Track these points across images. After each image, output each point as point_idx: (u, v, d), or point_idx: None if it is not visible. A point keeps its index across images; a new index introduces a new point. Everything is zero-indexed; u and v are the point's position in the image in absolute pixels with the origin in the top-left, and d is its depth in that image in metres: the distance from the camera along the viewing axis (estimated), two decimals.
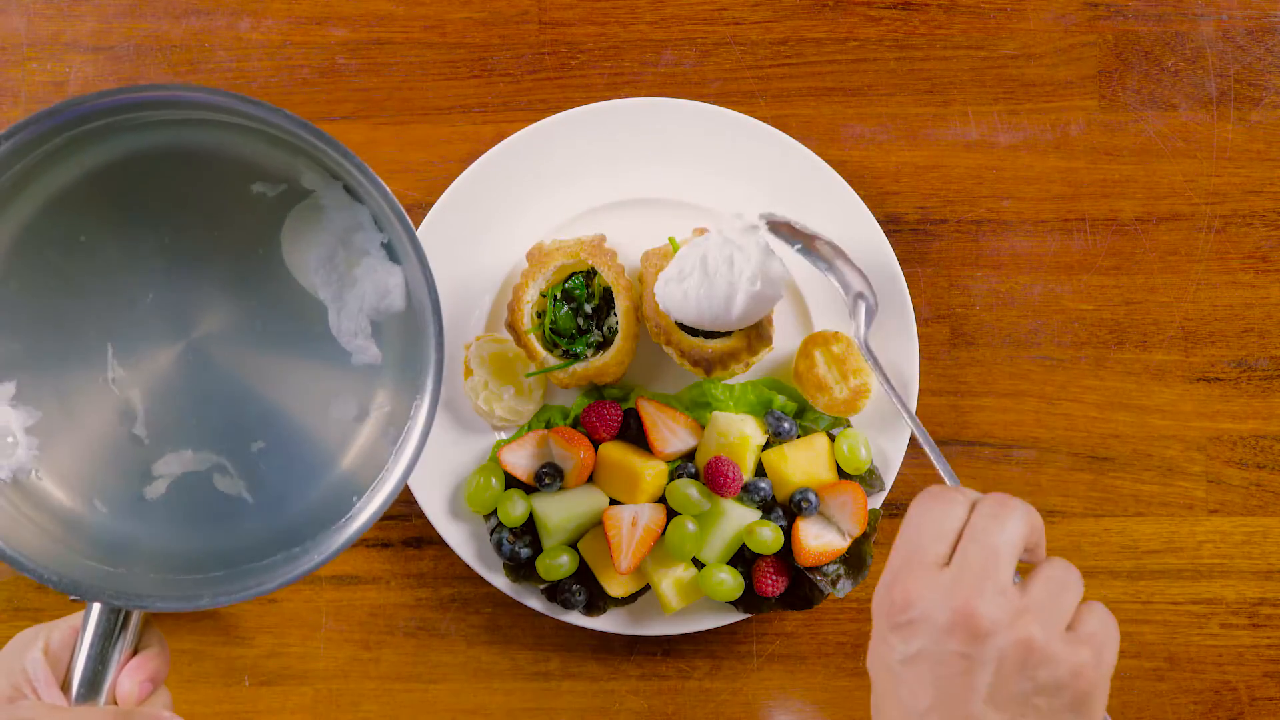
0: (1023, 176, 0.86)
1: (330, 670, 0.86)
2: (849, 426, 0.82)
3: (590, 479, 0.82)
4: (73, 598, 0.80)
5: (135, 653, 0.66)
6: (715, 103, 0.84)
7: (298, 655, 0.86)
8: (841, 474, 0.82)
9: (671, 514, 0.80)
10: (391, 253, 0.72)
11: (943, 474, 0.76)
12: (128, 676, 0.65)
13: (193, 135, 0.70)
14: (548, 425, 0.83)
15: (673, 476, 0.81)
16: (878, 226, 0.82)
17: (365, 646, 0.86)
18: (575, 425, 0.82)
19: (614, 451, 0.80)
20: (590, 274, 0.82)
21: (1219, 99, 0.86)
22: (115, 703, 0.65)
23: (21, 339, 0.70)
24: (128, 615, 0.65)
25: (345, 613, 0.86)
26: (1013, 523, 0.56)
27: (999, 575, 0.55)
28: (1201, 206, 0.86)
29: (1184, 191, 0.86)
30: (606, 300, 0.82)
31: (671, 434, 0.81)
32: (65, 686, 0.64)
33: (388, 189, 0.67)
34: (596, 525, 0.81)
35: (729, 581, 0.79)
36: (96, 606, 0.65)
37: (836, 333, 0.81)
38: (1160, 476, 0.86)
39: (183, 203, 0.71)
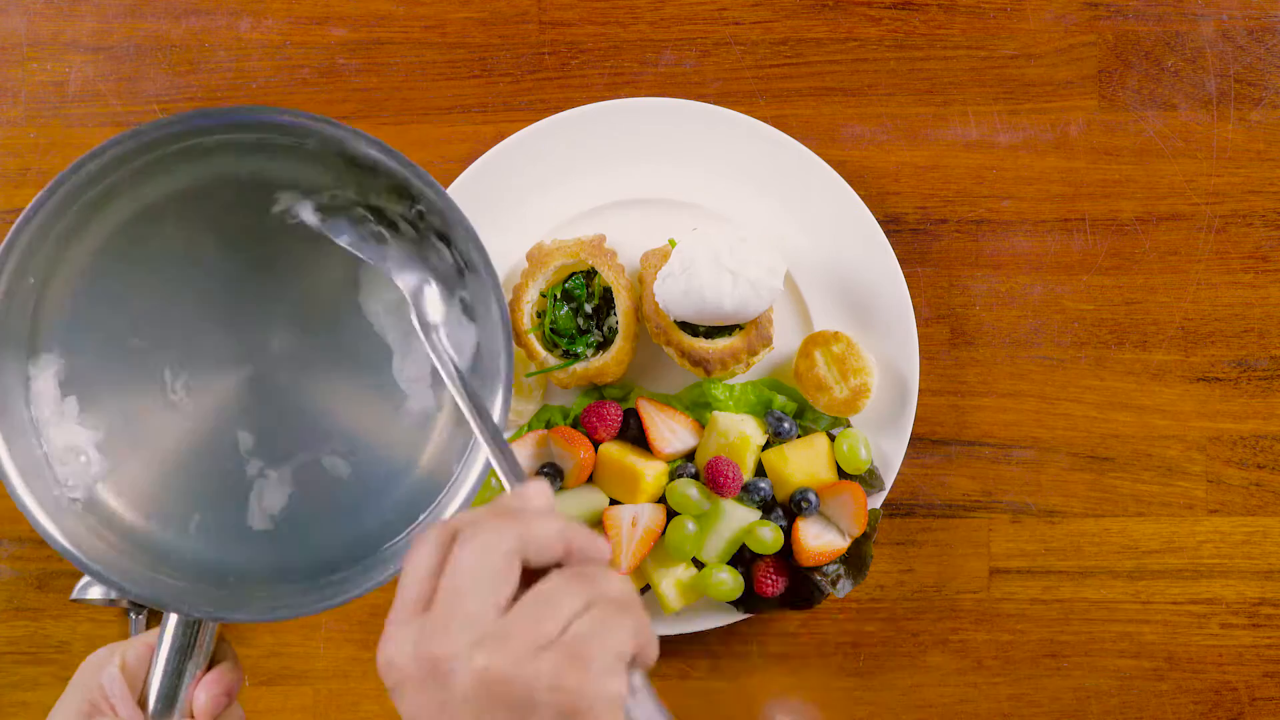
0: (1023, 176, 0.86)
1: (330, 670, 0.86)
2: (849, 426, 0.82)
3: (590, 479, 0.81)
4: (117, 597, 0.79)
5: (210, 667, 0.66)
6: (715, 103, 0.84)
7: (298, 655, 0.86)
8: (841, 474, 0.82)
9: (671, 514, 0.80)
10: (467, 309, 0.71)
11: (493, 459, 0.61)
12: (203, 690, 0.65)
13: (275, 163, 0.69)
14: (548, 425, 0.83)
15: (673, 476, 0.81)
16: (878, 226, 0.82)
17: (365, 646, 0.86)
18: (575, 425, 0.82)
19: (614, 451, 0.80)
20: (590, 274, 0.82)
21: (1219, 99, 0.86)
22: (191, 717, 0.65)
23: (88, 356, 0.69)
24: (202, 630, 0.65)
25: (345, 613, 0.86)
26: (480, 542, 0.49)
27: (465, 605, 0.48)
28: (1201, 206, 0.86)
29: (1184, 191, 0.86)
30: (606, 300, 0.82)
31: (671, 434, 0.81)
32: (142, 702, 0.64)
33: (486, 251, 0.66)
34: (596, 525, 0.81)
35: (729, 581, 0.79)
36: (173, 620, 0.65)
37: (836, 333, 0.81)
38: (1160, 476, 0.86)
39: (256, 227, 0.70)
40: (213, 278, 0.71)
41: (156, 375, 0.70)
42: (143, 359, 0.70)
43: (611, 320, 0.82)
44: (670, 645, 0.86)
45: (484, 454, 0.67)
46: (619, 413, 0.81)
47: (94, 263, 0.68)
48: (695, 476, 0.81)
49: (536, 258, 0.82)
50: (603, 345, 0.82)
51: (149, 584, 0.66)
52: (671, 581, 0.80)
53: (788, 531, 0.80)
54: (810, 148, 0.83)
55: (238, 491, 0.71)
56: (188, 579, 0.68)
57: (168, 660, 0.65)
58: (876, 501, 0.82)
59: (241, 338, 0.71)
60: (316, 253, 0.71)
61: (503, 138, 0.83)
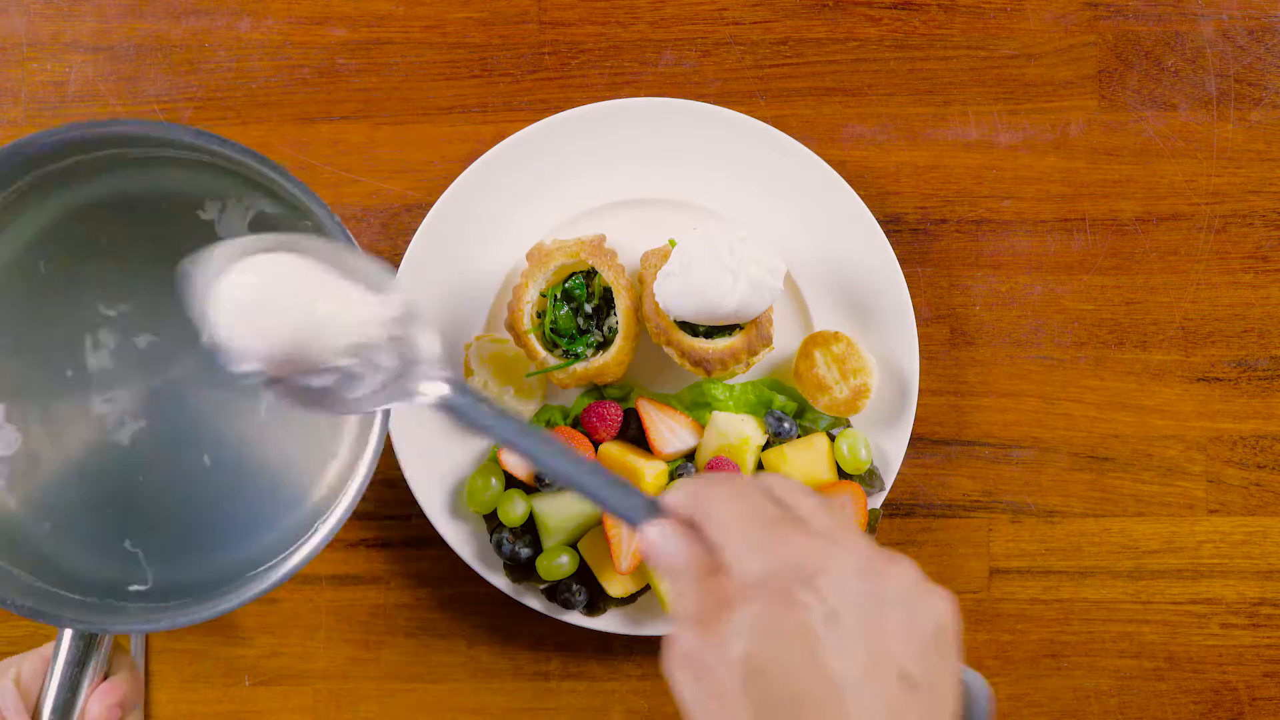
0: (1023, 176, 0.86)
1: (330, 670, 0.86)
2: (849, 426, 0.82)
3: None
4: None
5: (105, 679, 0.67)
6: (715, 103, 0.84)
7: (298, 655, 0.86)
8: (841, 474, 0.82)
9: None
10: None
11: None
12: (96, 701, 0.66)
13: (165, 177, 0.71)
14: (548, 425, 0.83)
15: (673, 476, 0.81)
16: (878, 226, 0.82)
17: (365, 646, 0.86)
18: (575, 425, 0.82)
19: (614, 451, 0.80)
20: (590, 274, 0.82)
21: (1219, 99, 0.86)
22: None
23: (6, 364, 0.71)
24: (98, 641, 0.66)
25: (345, 613, 0.86)
26: None
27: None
28: (1201, 206, 0.86)
29: (1184, 191, 0.86)
30: (606, 300, 0.82)
31: (671, 434, 0.81)
32: (36, 715, 0.66)
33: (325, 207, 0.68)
34: (596, 525, 0.81)
35: None
36: (68, 633, 0.66)
37: (836, 333, 0.81)
38: (1160, 476, 0.86)
39: (156, 246, 0.72)
40: (134, 286, 0.73)
41: (78, 389, 0.73)
42: (60, 371, 0.72)
43: (611, 320, 0.82)
44: None
45: (357, 486, 0.69)
46: (619, 413, 0.81)
47: (10, 265, 0.71)
48: None
49: (536, 257, 0.82)
50: (603, 345, 0.82)
51: (37, 598, 0.68)
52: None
53: None
54: (810, 148, 0.83)
55: (126, 503, 0.73)
56: (81, 592, 0.70)
57: (62, 673, 0.66)
58: (876, 501, 0.82)
59: (150, 354, 0.73)
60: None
61: (503, 138, 0.83)
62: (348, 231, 0.67)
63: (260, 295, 0.58)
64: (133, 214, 0.71)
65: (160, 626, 0.68)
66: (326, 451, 0.75)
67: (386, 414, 0.68)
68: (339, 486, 0.73)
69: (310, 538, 0.71)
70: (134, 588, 0.72)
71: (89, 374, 0.72)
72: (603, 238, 0.82)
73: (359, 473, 0.69)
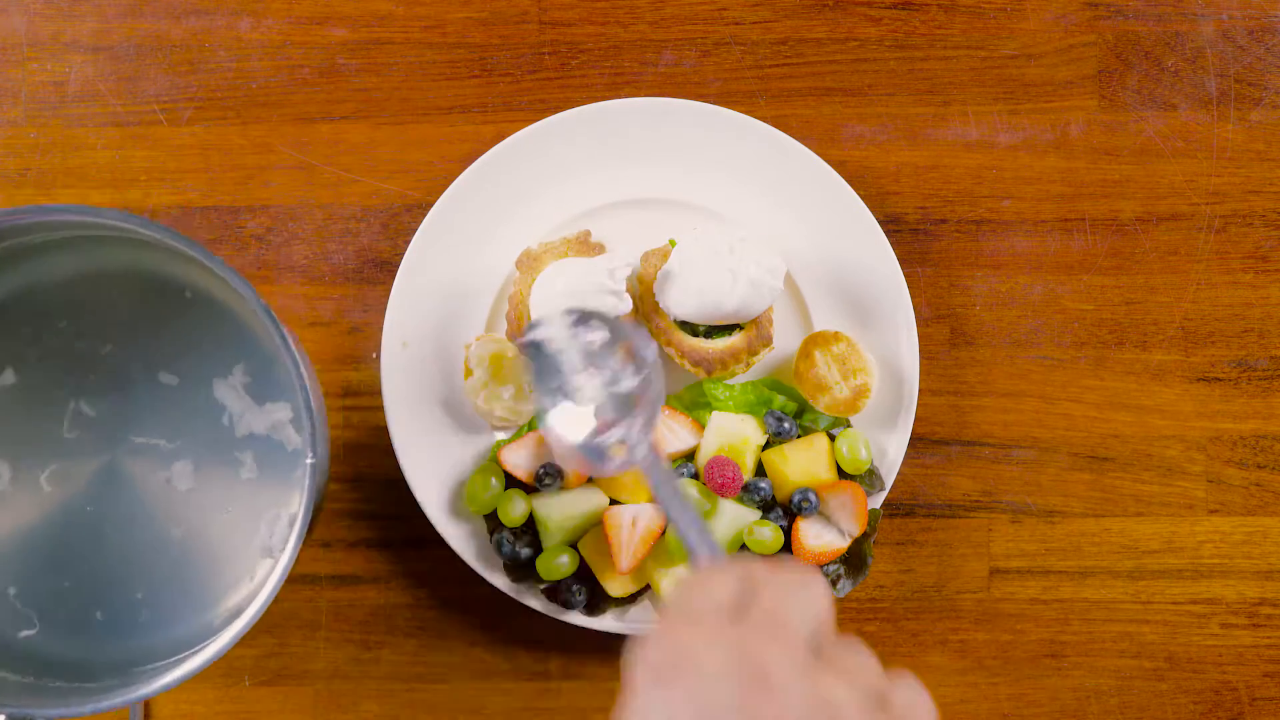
0: (1023, 176, 0.86)
1: (330, 670, 0.86)
2: (849, 426, 0.82)
3: (590, 479, 0.82)
4: None
5: None
6: (715, 103, 0.84)
7: (298, 655, 0.86)
8: (841, 474, 0.82)
9: None
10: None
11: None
12: None
13: (107, 255, 0.75)
14: None
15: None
16: (878, 226, 0.82)
17: (365, 646, 0.86)
18: None
19: None
20: None
21: (1219, 99, 0.86)
22: None
23: None
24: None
25: (345, 613, 0.86)
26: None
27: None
28: (1201, 206, 0.86)
29: (1184, 191, 0.86)
30: None
31: (671, 434, 0.81)
32: None
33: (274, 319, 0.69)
34: (596, 525, 0.81)
35: None
36: (1, 716, 0.68)
37: (836, 333, 0.81)
38: (1160, 476, 0.86)
39: (112, 323, 0.76)
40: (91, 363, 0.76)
41: (30, 463, 0.76)
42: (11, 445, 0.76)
43: None
44: None
45: (269, 591, 0.70)
46: None
47: None
48: (695, 476, 0.81)
49: (526, 263, 0.82)
50: None
51: None
52: (671, 581, 0.80)
53: (788, 531, 0.80)
54: (810, 148, 0.83)
55: (51, 584, 0.76)
56: (19, 673, 0.73)
57: None
58: (876, 501, 0.82)
59: (100, 430, 0.77)
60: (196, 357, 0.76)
61: (503, 138, 0.83)
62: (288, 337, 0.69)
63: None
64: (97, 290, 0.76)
65: (84, 711, 0.69)
66: (250, 560, 0.77)
67: (293, 554, 0.71)
68: (249, 599, 0.75)
69: (209, 644, 0.72)
70: (23, 634, 0.75)
71: (61, 440, 0.76)
72: (588, 233, 0.82)
73: (266, 587, 0.71)
